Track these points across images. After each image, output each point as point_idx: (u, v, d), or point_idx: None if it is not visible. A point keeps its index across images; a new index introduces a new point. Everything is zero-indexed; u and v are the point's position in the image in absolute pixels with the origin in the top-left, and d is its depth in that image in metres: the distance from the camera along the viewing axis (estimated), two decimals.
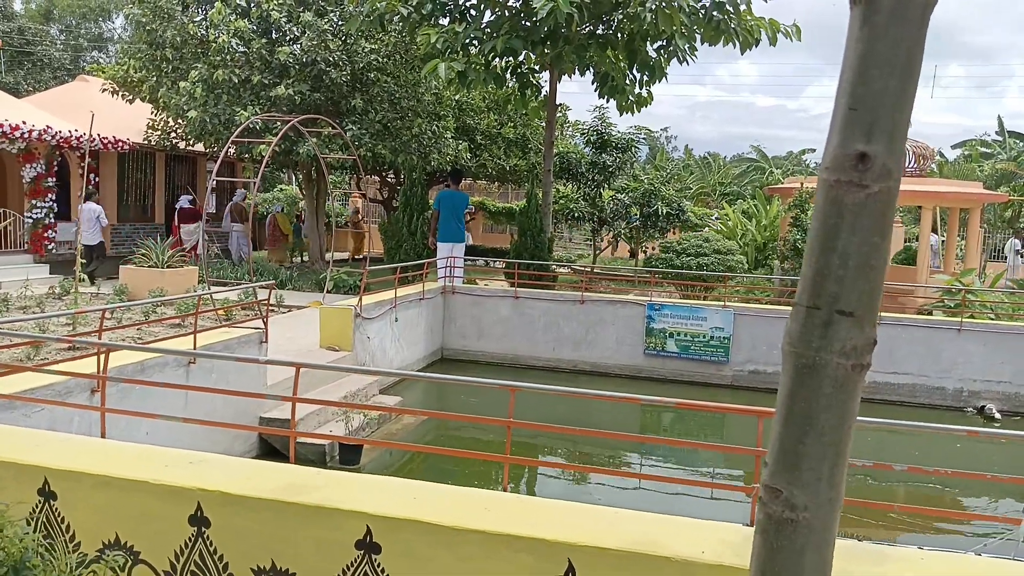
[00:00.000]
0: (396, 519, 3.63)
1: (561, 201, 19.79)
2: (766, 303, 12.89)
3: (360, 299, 9.64)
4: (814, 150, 41.10)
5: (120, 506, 3.65)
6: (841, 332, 1.32)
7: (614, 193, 19.27)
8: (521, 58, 14.51)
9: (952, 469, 3.66)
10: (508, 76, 14.41)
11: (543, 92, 15.41)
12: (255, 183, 11.82)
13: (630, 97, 14.71)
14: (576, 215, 19.27)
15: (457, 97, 17.86)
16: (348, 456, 7.51)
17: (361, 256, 20.88)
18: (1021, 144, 33.59)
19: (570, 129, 21.88)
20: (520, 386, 3.93)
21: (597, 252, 20.62)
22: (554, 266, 15.82)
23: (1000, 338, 11.07)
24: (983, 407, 10.84)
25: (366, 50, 15.61)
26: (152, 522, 3.63)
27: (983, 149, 34.38)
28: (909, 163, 15.06)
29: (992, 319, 12.11)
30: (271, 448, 7.75)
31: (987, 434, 4.20)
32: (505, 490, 4.37)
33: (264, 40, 15.43)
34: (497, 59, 13.67)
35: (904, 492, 8.03)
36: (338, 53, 15.30)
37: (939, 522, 6.31)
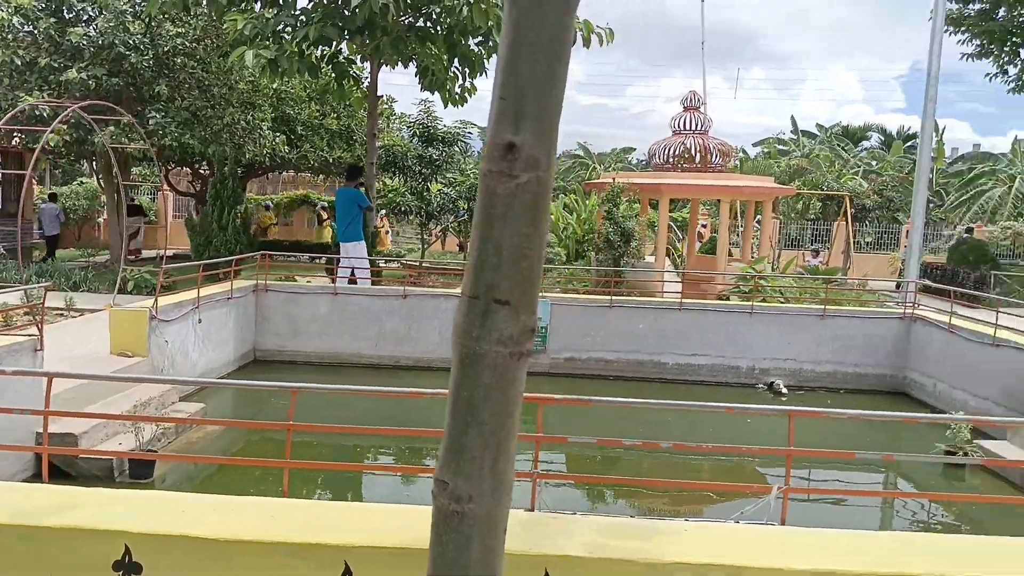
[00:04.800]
0: (159, 536, 3.43)
1: (388, 195, 19.55)
2: (584, 293, 13.36)
3: (155, 300, 8.99)
4: (635, 148, 43.24)
5: None
6: (498, 321, 1.32)
7: (441, 187, 19.28)
8: (343, 47, 14.13)
9: (713, 444, 3.91)
10: (325, 66, 13.98)
11: (364, 83, 15.11)
12: (34, 176, 10.72)
13: (455, 90, 14.72)
14: (403, 208, 19.11)
15: (275, 86, 17.15)
16: (139, 470, 6.99)
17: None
18: (811, 142, 37.05)
19: (396, 122, 21.64)
20: (301, 387, 3.80)
21: (425, 246, 20.57)
22: (381, 261, 15.59)
23: (786, 319, 12.12)
24: (772, 383, 11.84)
25: (171, 34, 14.66)
26: None
27: (780, 147, 37.61)
28: (714, 159, 16.13)
29: (783, 303, 13.23)
30: (51, 467, 7.05)
31: (739, 409, 4.58)
32: (285, 496, 4.22)
33: (53, 19, 14.11)
34: (312, 48, 13.23)
35: (705, 468, 8.57)
36: (139, 36, 14.26)
37: (707, 494, 6.79)
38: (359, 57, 14.93)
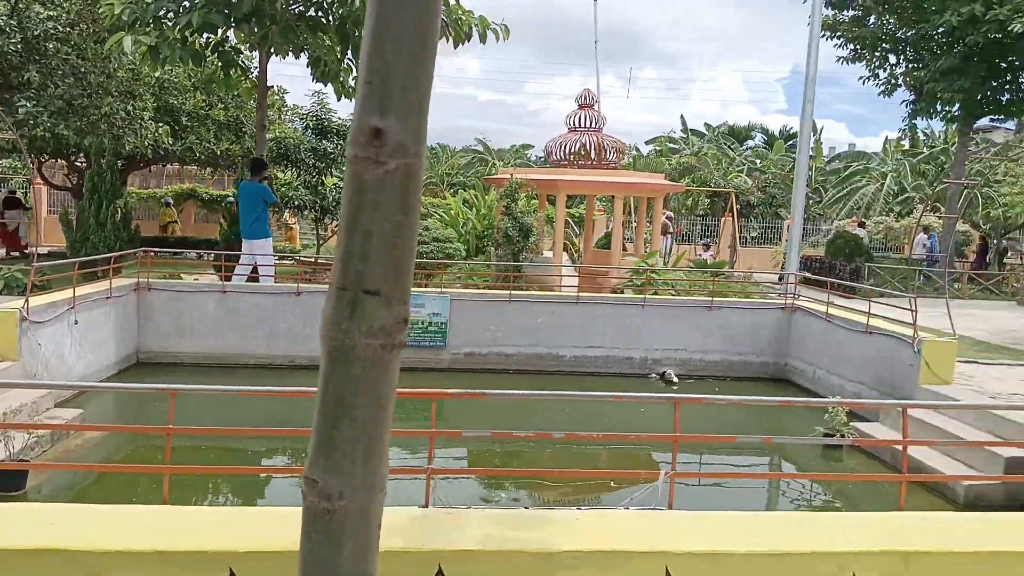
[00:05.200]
0: (25, 551, 3.20)
1: (281, 189, 18.97)
2: (483, 288, 13.38)
3: (26, 300, 8.40)
4: (533, 145, 43.62)
5: None
6: (368, 311, 1.28)
7: (337, 181, 18.85)
8: (230, 35, 13.59)
9: (603, 432, 3.99)
10: (210, 54, 13.41)
11: (253, 73, 14.60)
12: None
13: (349, 83, 14.42)
14: (296, 203, 18.58)
15: (157, 74, 16.34)
16: (10, 482, 6.51)
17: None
18: (700, 141, 38.44)
19: (288, 113, 21.04)
20: (179, 388, 3.62)
21: (321, 242, 20.08)
22: (275, 258, 15.10)
23: (676, 311, 12.51)
24: (664, 373, 12.20)
25: (42, 17, 13.73)
26: None
27: (670, 145, 38.84)
28: (608, 157, 16.46)
29: (674, 295, 13.65)
30: None
31: (627, 398, 4.72)
32: (166, 502, 4.04)
33: None
34: (196, 35, 12.66)
35: (603, 456, 8.74)
36: (4, 18, 13.30)
37: (601, 482, 6.95)
38: (247, 46, 14.40)
